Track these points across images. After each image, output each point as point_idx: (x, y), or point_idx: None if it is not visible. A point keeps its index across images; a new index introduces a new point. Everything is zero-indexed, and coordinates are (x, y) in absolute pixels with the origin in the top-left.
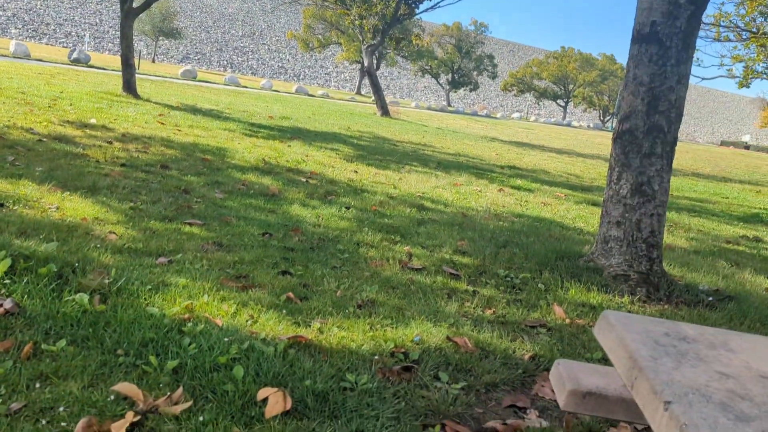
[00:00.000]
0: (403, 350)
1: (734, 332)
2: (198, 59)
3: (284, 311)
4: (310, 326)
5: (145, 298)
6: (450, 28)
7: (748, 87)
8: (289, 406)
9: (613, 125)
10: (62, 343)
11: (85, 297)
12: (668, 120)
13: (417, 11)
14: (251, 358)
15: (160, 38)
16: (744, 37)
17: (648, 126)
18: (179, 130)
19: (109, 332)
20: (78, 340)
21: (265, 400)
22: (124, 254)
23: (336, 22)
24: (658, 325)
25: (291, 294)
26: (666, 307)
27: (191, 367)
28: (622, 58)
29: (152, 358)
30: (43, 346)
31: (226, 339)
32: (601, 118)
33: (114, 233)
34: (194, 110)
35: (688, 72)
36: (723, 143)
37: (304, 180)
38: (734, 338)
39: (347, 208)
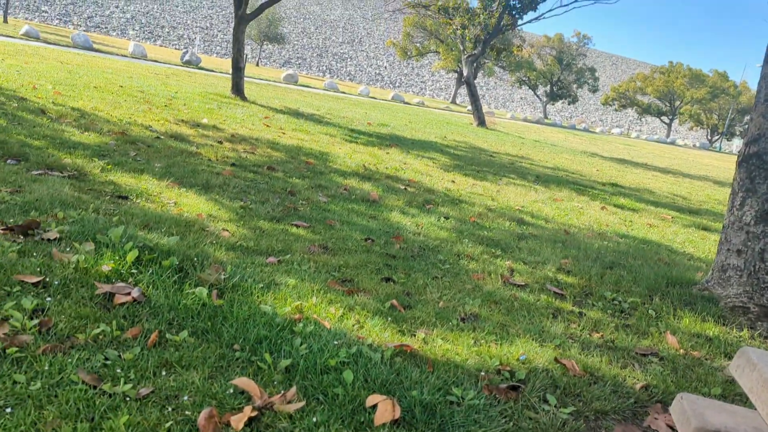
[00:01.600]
0: (508, 368)
1: None
2: (299, 64)
3: (389, 318)
4: (414, 336)
5: (257, 296)
6: (551, 40)
7: None
8: (398, 415)
9: (722, 145)
10: (184, 334)
11: (204, 291)
12: None
13: (520, 22)
14: (359, 363)
15: (265, 43)
16: None
17: None
18: (283, 133)
19: (226, 327)
20: (198, 332)
21: (374, 407)
22: (236, 251)
23: (435, 30)
24: None
25: (395, 301)
26: None
27: (303, 367)
28: (735, 75)
29: (266, 356)
30: (167, 335)
31: (335, 342)
32: (709, 138)
33: (227, 230)
34: (297, 114)
35: None
36: None
37: (403, 187)
38: None
39: (446, 218)
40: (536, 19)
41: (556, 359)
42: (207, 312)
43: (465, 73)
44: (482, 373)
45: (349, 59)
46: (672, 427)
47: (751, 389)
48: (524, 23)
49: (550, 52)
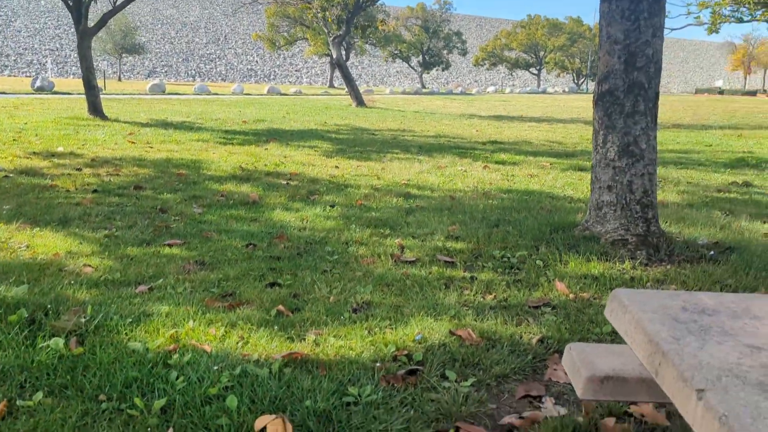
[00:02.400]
0: (405, 352)
1: (754, 295)
2: (165, 71)
3: (276, 327)
4: (304, 339)
5: (126, 333)
6: (414, 10)
7: (717, 32)
8: None
9: (589, 87)
10: (39, 396)
11: (60, 341)
12: (648, 76)
13: None
14: (245, 384)
15: (124, 55)
16: None
17: (628, 84)
18: (151, 148)
19: (88, 377)
20: (56, 390)
21: (263, 430)
22: (100, 287)
23: (299, 17)
24: (674, 298)
25: (281, 307)
26: (669, 267)
27: (180, 403)
28: (589, 19)
29: (137, 400)
30: (18, 402)
31: (215, 367)
32: (575, 81)
33: (89, 266)
34: (165, 125)
35: (662, 23)
36: (698, 91)
37: (285, 182)
38: (756, 303)
39: (332, 206)
40: None
41: (451, 332)
42: (65, 365)
43: (335, 56)
44: (378, 364)
45: (217, 59)
46: None
47: (626, 332)
48: None
49: (415, 22)
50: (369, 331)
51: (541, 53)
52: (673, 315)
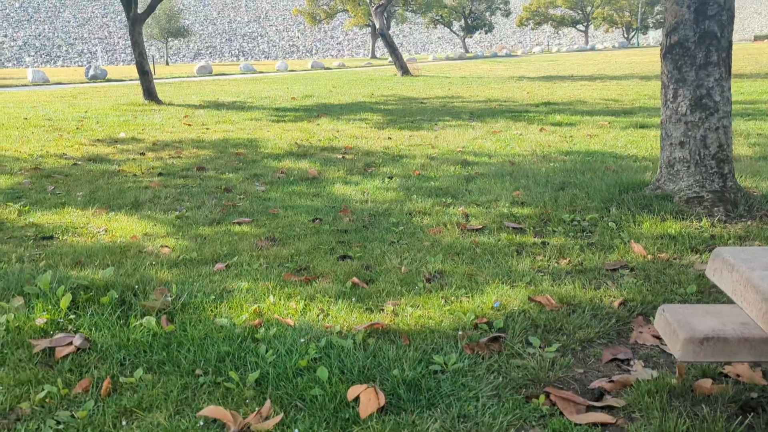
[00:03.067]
0: (485, 320)
1: None
2: (210, 53)
3: (353, 299)
4: (383, 310)
5: (211, 310)
6: None
7: None
8: (382, 401)
9: (639, 41)
10: (139, 372)
11: (152, 320)
12: (720, 24)
13: None
14: (332, 355)
15: (170, 39)
16: None
17: (699, 34)
18: (207, 129)
19: (183, 352)
20: (154, 367)
21: (356, 399)
22: (180, 267)
23: None
24: None
25: (356, 279)
26: (750, 223)
27: (273, 376)
28: None
29: (232, 374)
30: (120, 379)
31: (302, 339)
32: (626, 36)
33: (167, 246)
34: (217, 105)
35: None
36: (756, 38)
37: (341, 156)
38: None
39: (390, 177)
40: None
41: (529, 298)
42: (159, 342)
43: (377, 26)
44: (460, 332)
45: (259, 37)
46: (658, 337)
47: (734, 291)
48: None
49: None
50: (446, 300)
51: (588, 8)
52: None
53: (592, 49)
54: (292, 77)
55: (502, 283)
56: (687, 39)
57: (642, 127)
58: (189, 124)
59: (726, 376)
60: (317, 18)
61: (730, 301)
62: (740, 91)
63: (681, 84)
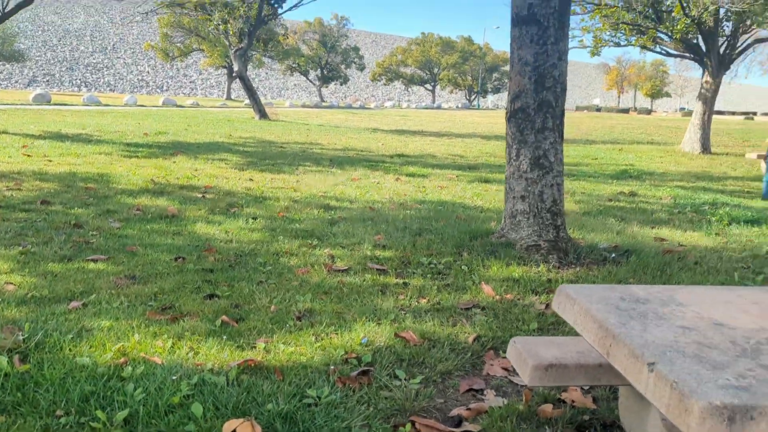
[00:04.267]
0: (354, 355)
1: (675, 287)
2: (47, 81)
3: (224, 336)
4: (255, 347)
5: (70, 349)
6: (312, 24)
7: (599, 55)
8: None
9: (480, 103)
10: None
11: (4, 359)
12: (555, 95)
13: (280, 11)
14: (205, 392)
15: (2, 63)
16: (589, 9)
17: (538, 102)
18: (50, 161)
19: (41, 393)
20: (8, 408)
21: None
22: (30, 305)
23: (195, 28)
24: (612, 291)
25: (225, 317)
26: (578, 269)
27: (144, 414)
28: (479, 39)
29: (99, 413)
30: None
31: (173, 377)
32: (468, 98)
33: (11, 283)
34: (60, 137)
35: (566, 48)
36: (578, 108)
37: (201, 196)
38: (678, 292)
39: (254, 218)
40: (295, 6)
41: (395, 334)
42: (13, 382)
43: (236, 68)
44: (331, 367)
45: (105, 69)
46: (506, 369)
47: (575, 321)
48: (285, 11)
49: (313, 37)
50: (316, 337)
51: (435, 70)
52: (614, 304)
53: (439, 107)
54: (142, 112)
55: (369, 320)
56: (528, 106)
57: (485, 181)
58: (29, 155)
59: (563, 401)
60: (170, 55)
61: (570, 335)
62: (567, 155)
63: (523, 145)
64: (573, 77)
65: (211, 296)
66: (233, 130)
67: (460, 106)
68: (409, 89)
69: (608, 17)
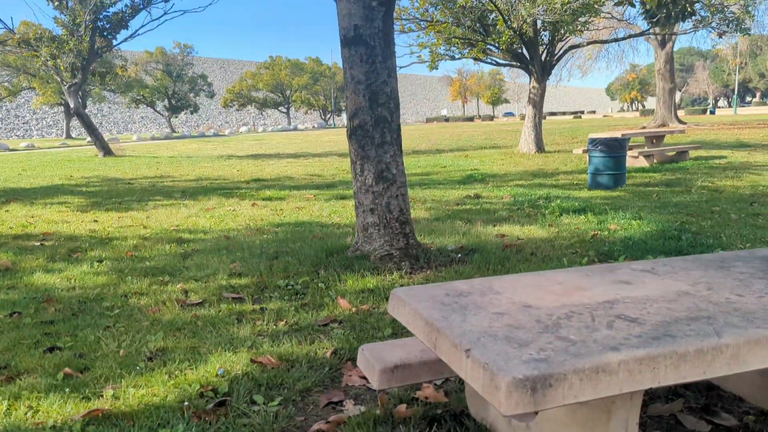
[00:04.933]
0: (210, 388)
1: (494, 277)
2: None
3: (66, 389)
4: (102, 396)
5: None
6: (154, 54)
7: (437, 69)
8: None
9: (336, 122)
10: None
11: None
12: (389, 110)
13: (115, 42)
14: None
15: None
16: (423, 26)
17: (374, 119)
18: None
19: None
20: None
21: None
22: None
23: (23, 65)
24: (438, 288)
25: (68, 369)
26: (429, 272)
27: None
28: (326, 59)
29: None
30: None
31: None
32: (323, 117)
33: None
34: None
35: (394, 65)
36: (428, 120)
37: (38, 244)
38: (496, 282)
39: (99, 261)
40: (131, 36)
41: (252, 360)
42: None
43: (72, 105)
44: (186, 403)
45: None
46: (364, 377)
47: (408, 321)
48: (120, 43)
49: (156, 67)
50: (169, 376)
51: (288, 92)
52: (440, 300)
53: (295, 129)
54: None
55: (225, 350)
56: (366, 123)
57: (342, 198)
58: None
59: (417, 400)
60: None
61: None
62: (418, 165)
63: (366, 160)
64: (421, 91)
65: (51, 349)
66: (75, 171)
67: (316, 126)
68: (264, 113)
69: (441, 32)
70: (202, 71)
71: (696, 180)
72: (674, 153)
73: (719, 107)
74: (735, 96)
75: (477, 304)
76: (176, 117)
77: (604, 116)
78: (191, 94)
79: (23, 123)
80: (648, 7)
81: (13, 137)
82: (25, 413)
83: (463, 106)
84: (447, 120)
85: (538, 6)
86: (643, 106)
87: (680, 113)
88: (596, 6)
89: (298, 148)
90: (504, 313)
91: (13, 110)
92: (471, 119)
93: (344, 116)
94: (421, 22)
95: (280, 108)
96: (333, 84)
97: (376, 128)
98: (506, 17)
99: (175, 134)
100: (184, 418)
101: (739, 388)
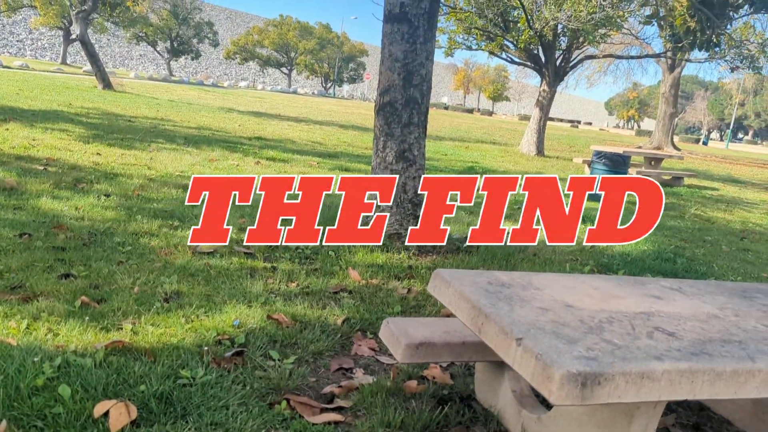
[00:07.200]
0: (227, 337)
1: (531, 273)
2: None
3: (86, 318)
4: (121, 329)
5: None
6: None
7: (452, 56)
8: (134, 415)
9: (335, 92)
10: None
11: None
12: (421, 93)
13: None
14: (71, 374)
15: None
16: (445, 11)
17: (405, 98)
18: None
19: None
20: None
21: (106, 415)
22: None
23: None
24: (480, 276)
25: (85, 298)
26: (435, 257)
27: (4, 396)
28: (336, 27)
29: None
30: None
31: (33, 359)
32: (324, 85)
33: None
34: None
35: (433, 49)
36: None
37: (42, 168)
38: (534, 278)
39: (107, 195)
40: None
41: (268, 316)
42: None
43: (78, 32)
44: (205, 348)
45: None
46: (373, 349)
47: (450, 302)
48: None
49: (164, 6)
50: (186, 319)
51: (292, 54)
52: (483, 287)
53: (295, 92)
54: None
55: (239, 303)
56: (396, 101)
57: (346, 170)
58: None
59: (425, 378)
60: None
61: (435, 316)
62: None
63: (389, 137)
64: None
65: (66, 276)
66: (73, 99)
67: (316, 93)
68: (265, 71)
69: (462, 21)
70: (209, 18)
71: (690, 207)
72: (670, 177)
73: (711, 139)
74: (729, 131)
75: (521, 297)
76: (176, 60)
77: (601, 130)
78: (195, 40)
79: (17, 41)
80: (676, 30)
81: (5, 54)
82: (46, 335)
83: (464, 97)
84: (447, 108)
85: (564, 11)
86: (639, 126)
87: (675, 139)
88: (619, 20)
89: (299, 112)
90: (548, 309)
91: (8, 26)
92: (470, 111)
93: (345, 88)
94: (444, 7)
95: (282, 68)
96: (339, 53)
97: (405, 108)
98: (529, 17)
99: (173, 77)
100: (203, 362)
101: (730, 412)
